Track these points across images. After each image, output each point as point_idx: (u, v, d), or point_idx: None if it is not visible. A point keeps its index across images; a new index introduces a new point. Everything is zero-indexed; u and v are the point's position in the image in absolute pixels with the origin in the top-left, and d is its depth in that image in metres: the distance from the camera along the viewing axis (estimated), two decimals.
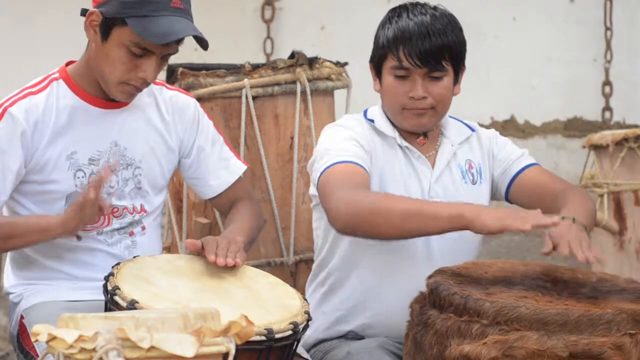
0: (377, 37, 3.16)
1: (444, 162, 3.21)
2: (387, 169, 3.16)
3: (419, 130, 3.18)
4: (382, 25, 3.15)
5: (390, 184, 3.14)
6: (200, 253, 2.96)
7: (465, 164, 3.24)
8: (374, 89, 3.21)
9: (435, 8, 3.13)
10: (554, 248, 2.85)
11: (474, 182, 3.24)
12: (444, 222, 2.84)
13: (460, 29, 3.12)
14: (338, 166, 3.06)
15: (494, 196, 3.31)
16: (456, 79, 3.15)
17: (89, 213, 2.88)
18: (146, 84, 3.00)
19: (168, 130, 3.19)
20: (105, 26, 2.96)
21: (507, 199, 3.31)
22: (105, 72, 2.99)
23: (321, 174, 3.06)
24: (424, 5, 3.14)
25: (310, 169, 3.19)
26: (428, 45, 3.05)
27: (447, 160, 3.21)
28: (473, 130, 3.31)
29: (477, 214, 2.80)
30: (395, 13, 3.14)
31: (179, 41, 2.98)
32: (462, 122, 3.32)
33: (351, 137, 3.12)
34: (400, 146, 3.18)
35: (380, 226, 2.92)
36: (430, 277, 2.85)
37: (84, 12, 3.02)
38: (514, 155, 3.28)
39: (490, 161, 3.28)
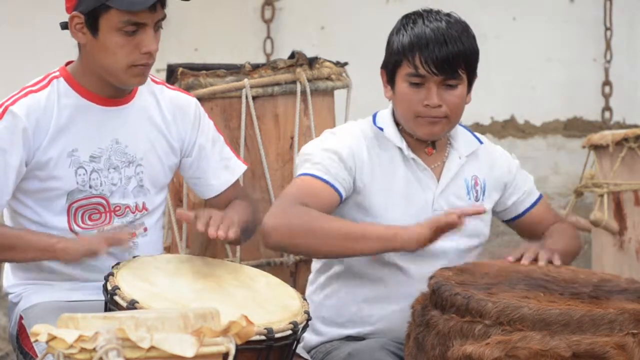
0: (390, 43, 3.13)
1: (450, 175, 3.19)
2: (389, 180, 3.14)
3: (431, 138, 3.16)
4: (396, 32, 3.12)
5: (392, 195, 3.13)
6: (192, 223, 2.95)
7: (472, 180, 3.23)
8: (384, 96, 3.18)
9: (449, 15, 3.11)
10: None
11: (477, 199, 3.22)
12: (371, 242, 2.94)
13: (474, 37, 3.11)
14: (305, 179, 3.08)
15: (493, 214, 3.34)
16: (469, 88, 3.14)
17: (92, 256, 2.95)
18: (152, 57, 3.00)
19: (169, 129, 3.19)
20: (91, 21, 2.97)
21: (506, 223, 3.40)
22: (109, 64, 2.99)
23: (294, 179, 3.11)
24: (438, 12, 3.12)
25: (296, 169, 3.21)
26: (445, 52, 3.03)
27: (453, 173, 3.19)
28: (481, 142, 3.29)
29: (402, 232, 2.93)
30: (410, 19, 3.11)
31: (164, 3, 2.99)
32: (470, 131, 3.30)
33: (334, 151, 3.10)
34: (405, 157, 3.16)
35: (310, 246, 2.99)
36: (431, 277, 2.84)
37: (64, 26, 3.05)
38: (525, 188, 3.34)
39: (499, 187, 3.29)
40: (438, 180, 3.18)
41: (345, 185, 3.09)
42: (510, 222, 3.38)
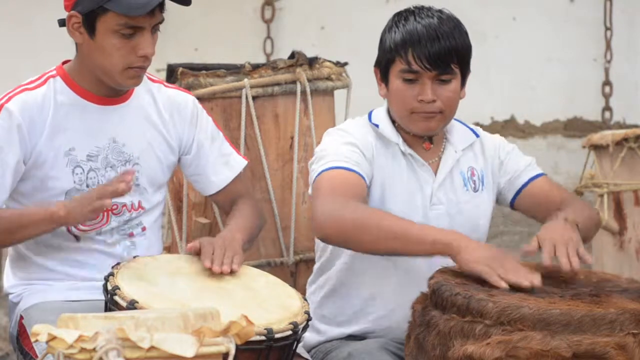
0: (383, 42, 3.13)
1: (446, 169, 3.19)
2: (389, 176, 3.14)
3: (427, 134, 3.16)
4: (388, 29, 3.12)
5: (393, 191, 3.13)
6: (199, 254, 2.96)
7: (468, 171, 3.23)
8: (379, 94, 3.18)
9: (440, 11, 3.11)
10: (539, 248, 2.90)
11: (475, 190, 3.22)
12: (426, 245, 2.88)
13: (466, 33, 3.11)
14: (332, 172, 3.05)
15: (498, 202, 3.31)
16: (463, 83, 3.14)
17: (98, 212, 2.93)
18: (148, 60, 3.00)
19: (167, 127, 3.19)
20: (89, 22, 2.97)
21: (512, 206, 3.31)
22: (106, 65, 2.99)
23: (316, 177, 3.06)
24: (429, 8, 3.13)
25: (310, 169, 3.19)
26: (437, 48, 3.03)
27: (449, 167, 3.19)
28: (477, 135, 3.29)
29: (465, 246, 2.84)
30: (402, 17, 3.12)
31: (162, 8, 3.00)
32: (466, 125, 3.30)
33: (352, 143, 3.10)
34: (403, 153, 3.17)
35: (362, 242, 2.94)
36: (431, 277, 2.84)
37: (62, 23, 3.04)
38: (521, 164, 3.28)
39: (495, 169, 3.27)
40: (435, 174, 3.18)
41: (368, 175, 3.09)
42: (515, 200, 3.28)
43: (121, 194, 2.91)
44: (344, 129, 3.18)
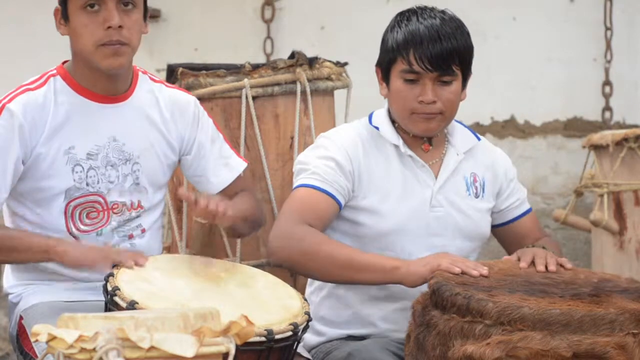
0: (385, 41, 3.14)
1: (448, 171, 3.19)
2: (386, 179, 3.14)
3: (427, 135, 3.16)
4: (391, 29, 3.12)
5: (389, 194, 3.13)
6: (191, 204, 2.96)
7: (470, 177, 3.23)
8: (380, 93, 3.19)
9: (443, 12, 3.11)
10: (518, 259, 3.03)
11: (476, 196, 3.23)
12: (374, 273, 2.95)
13: (468, 34, 3.11)
14: (302, 190, 3.09)
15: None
16: (464, 85, 3.14)
17: (90, 268, 2.95)
18: (120, 35, 2.99)
19: (167, 127, 3.19)
20: (64, 8, 3.03)
21: (493, 230, 3.34)
22: (81, 47, 3.01)
23: (293, 190, 3.12)
24: (432, 9, 3.13)
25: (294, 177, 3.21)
26: (439, 49, 3.03)
27: (451, 170, 3.19)
28: (479, 139, 3.29)
29: (406, 264, 2.92)
30: (404, 17, 3.12)
31: None
32: (467, 128, 3.30)
33: (331, 157, 3.11)
34: (403, 155, 3.17)
35: (309, 269, 3.03)
36: (431, 277, 2.84)
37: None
38: (518, 198, 3.32)
39: (497, 189, 3.28)
40: (436, 176, 3.18)
41: (343, 192, 3.10)
42: (497, 227, 3.34)
43: (127, 266, 2.90)
44: (331, 136, 3.19)
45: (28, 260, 3.03)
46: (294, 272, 3.10)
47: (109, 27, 2.97)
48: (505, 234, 3.35)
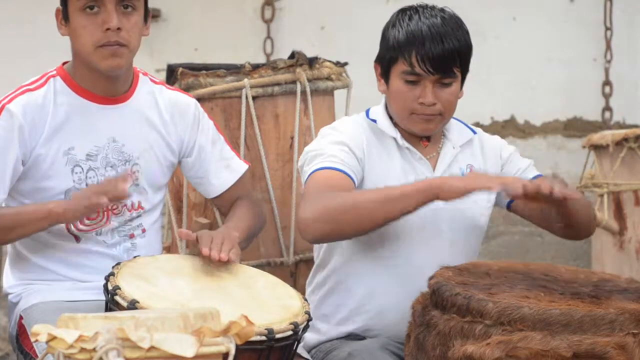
0: (385, 38, 3.13)
1: (445, 164, 3.20)
2: (385, 171, 3.15)
3: (426, 134, 3.17)
4: (392, 26, 3.12)
5: (389, 184, 3.13)
6: (194, 245, 2.96)
7: (467, 168, 3.23)
8: (378, 89, 3.19)
9: (443, 10, 3.11)
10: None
11: None
12: (412, 198, 2.91)
13: (468, 32, 3.11)
14: (320, 173, 3.07)
15: (495, 204, 3.31)
16: (462, 84, 3.15)
17: (93, 211, 2.93)
18: (119, 36, 2.99)
19: (167, 129, 3.19)
20: (63, 10, 3.04)
21: (508, 208, 3.30)
22: (80, 48, 3.02)
23: (306, 179, 3.08)
24: (433, 7, 3.12)
25: (300, 170, 3.19)
26: (440, 50, 3.03)
27: (448, 163, 3.20)
28: (475, 132, 3.30)
29: (443, 181, 2.90)
30: (405, 14, 3.11)
31: None
32: (464, 123, 3.31)
33: (342, 142, 3.11)
34: (401, 147, 3.17)
35: (351, 223, 2.95)
36: (431, 277, 2.84)
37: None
38: (522, 167, 3.28)
39: (497, 169, 3.27)
40: (433, 169, 3.18)
41: (358, 174, 3.10)
42: (510, 204, 3.27)
43: (120, 194, 2.90)
44: (336, 127, 3.19)
45: (33, 231, 3.00)
46: (336, 237, 3.03)
47: (108, 29, 2.97)
48: (520, 206, 3.25)
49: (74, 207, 2.94)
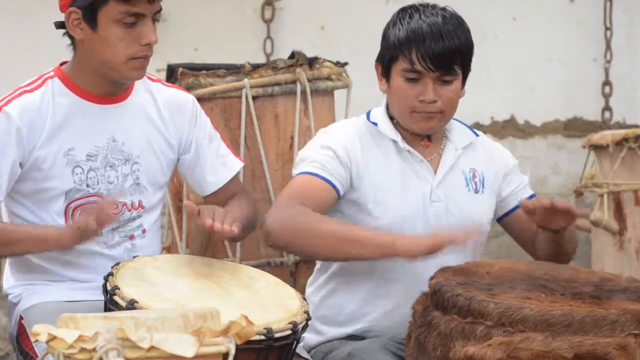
0: (386, 37, 3.13)
1: (447, 166, 3.19)
2: (384, 174, 3.14)
3: (427, 132, 3.17)
4: (392, 25, 3.12)
5: (388, 189, 3.13)
6: (195, 216, 2.96)
7: (470, 172, 3.23)
8: (379, 89, 3.19)
9: (444, 9, 3.12)
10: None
11: (476, 191, 3.22)
12: (369, 248, 2.94)
13: (469, 31, 3.12)
14: (301, 178, 3.10)
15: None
16: (463, 83, 3.15)
17: (87, 237, 2.93)
18: (151, 50, 3.01)
19: (166, 126, 3.19)
20: (89, 14, 2.98)
21: (498, 221, 3.33)
22: (109, 57, 2.99)
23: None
24: (434, 6, 3.13)
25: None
26: (441, 48, 3.03)
27: (450, 165, 3.20)
28: (477, 135, 3.30)
29: (408, 239, 2.92)
30: (406, 13, 3.11)
31: None
32: (465, 125, 3.31)
33: (328, 147, 3.12)
34: (401, 150, 3.17)
35: (311, 252, 3.03)
36: (432, 278, 2.84)
37: (58, 25, 3.05)
38: (522, 182, 3.30)
39: (499, 177, 3.27)
40: (435, 172, 3.18)
41: (342, 181, 3.10)
42: (503, 218, 3.31)
43: (108, 218, 2.89)
44: (328, 130, 3.21)
45: (28, 250, 3.02)
46: (290, 253, 3.08)
47: (147, 44, 2.98)
48: (513, 221, 3.30)
49: (68, 234, 2.94)
